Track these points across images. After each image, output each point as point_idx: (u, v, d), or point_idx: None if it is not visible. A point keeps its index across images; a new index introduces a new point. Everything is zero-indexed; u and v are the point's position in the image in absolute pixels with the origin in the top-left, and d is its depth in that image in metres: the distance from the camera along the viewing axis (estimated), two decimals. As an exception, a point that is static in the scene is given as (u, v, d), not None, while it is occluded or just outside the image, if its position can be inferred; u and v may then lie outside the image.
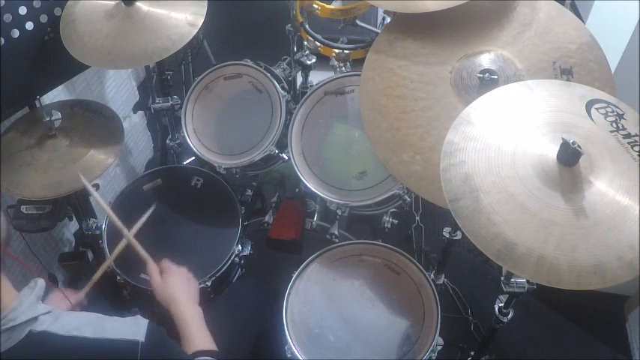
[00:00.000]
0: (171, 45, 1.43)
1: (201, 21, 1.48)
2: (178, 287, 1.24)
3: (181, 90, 2.00)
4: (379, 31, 1.44)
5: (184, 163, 2.05)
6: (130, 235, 1.33)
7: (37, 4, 1.46)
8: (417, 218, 2.13)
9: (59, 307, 1.21)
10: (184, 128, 1.71)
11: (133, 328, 0.98)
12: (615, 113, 1.05)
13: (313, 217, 1.81)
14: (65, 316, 0.95)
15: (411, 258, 1.49)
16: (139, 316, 1.02)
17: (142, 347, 0.95)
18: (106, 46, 1.44)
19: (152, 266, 1.28)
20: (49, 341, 0.90)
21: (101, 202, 1.36)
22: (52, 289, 1.29)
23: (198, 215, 1.65)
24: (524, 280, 1.32)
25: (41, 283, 0.98)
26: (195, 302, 1.25)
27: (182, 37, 1.45)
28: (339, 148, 1.62)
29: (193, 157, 1.98)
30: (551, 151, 0.99)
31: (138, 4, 1.48)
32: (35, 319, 0.91)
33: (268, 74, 1.68)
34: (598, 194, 0.96)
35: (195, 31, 1.46)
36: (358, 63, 1.50)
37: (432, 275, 1.70)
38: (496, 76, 1.23)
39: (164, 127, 2.07)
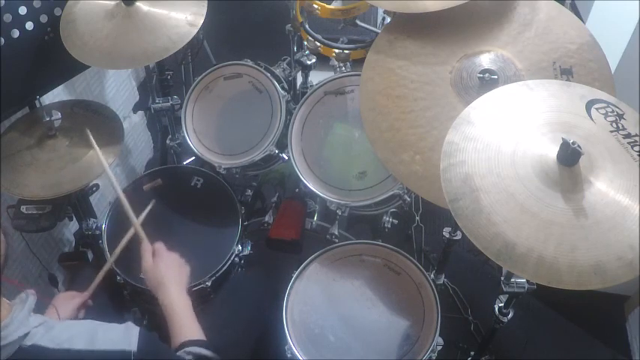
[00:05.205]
0: (171, 45, 1.43)
1: (201, 21, 1.47)
2: (169, 272, 1.23)
3: (181, 90, 2.00)
4: (379, 31, 1.44)
5: (184, 163, 2.05)
6: (135, 218, 1.34)
7: (37, 4, 1.46)
8: (417, 218, 2.13)
9: (64, 310, 1.21)
10: (184, 128, 1.71)
11: (124, 337, 0.96)
12: (615, 113, 1.05)
13: (313, 217, 1.81)
14: (58, 328, 0.94)
15: (411, 258, 1.49)
16: (130, 324, 1.01)
17: (135, 357, 0.94)
18: (106, 46, 1.44)
19: (146, 246, 1.28)
20: (39, 355, 0.89)
21: (115, 183, 1.38)
22: (56, 293, 1.30)
23: (198, 215, 1.65)
24: (524, 280, 1.32)
25: (32, 295, 0.96)
26: (184, 290, 1.24)
27: (182, 37, 1.45)
28: (339, 148, 1.62)
29: (193, 157, 1.98)
30: (551, 151, 0.99)
31: (138, 4, 1.47)
32: (27, 334, 0.89)
33: (268, 74, 1.68)
34: (598, 194, 0.96)
35: (195, 31, 1.46)
36: (358, 63, 1.50)
37: (432, 275, 1.70)
38: (496, 76, 1.23)
39: (164, 127, 2.07)
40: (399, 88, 1.29)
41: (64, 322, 0.98)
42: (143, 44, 1.44)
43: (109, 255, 1.52)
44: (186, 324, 1.15)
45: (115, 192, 1.39)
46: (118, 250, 1.40)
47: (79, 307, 1.28)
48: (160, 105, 1.86)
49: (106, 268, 1.38)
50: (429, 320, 1.39)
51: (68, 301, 1.27)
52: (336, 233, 1.67)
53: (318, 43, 1.74)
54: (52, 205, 1.50)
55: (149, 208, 1.46)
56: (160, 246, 1.29)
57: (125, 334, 0.97)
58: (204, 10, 1.50)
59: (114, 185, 1.38)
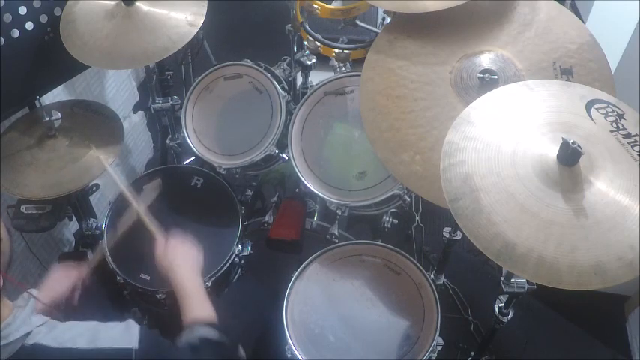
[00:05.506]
0: (171, 45, 1.43)
1: (201, 21, 1.47)
2: (181, 257, 1.25)
3: (181, 90, 2.00)
4: (379, 31, 1.44)
5: (184, 163, 2.05)
6: (141, 208, 1.35)
7: (37, 4, 1.46)
8: (417, 218, 2.13)
9: (58, 287, 1.21)
10: (184, 128, 1.71)
11: (125, 334, 0.97)
12: (615, 113, 1.05)
13: (313, 217, 1.81)
14: (60, 327, 0.94)
15: (411, 258, 1.49)
16: (130, 321, 1.00)
17: (137, 354, 0.94)
18: (106, 47, 1.44)
19: (159, 236, 1.30)
20: (41, 354, 0.89)
21: (115, 178, 1.39)
22: (54, 266, 1.30)
23: (198, 215, 1.65)
24: (524, 280, 1.32)
25: (35, 294, 0.96)
26: (197, 272, 1.26)
27: (182, 37, 1.45)
28: (339, 148, 1.62)
29: (193, 157, 1.98)
30: (551, 151, 0.99)
31: (138, 4, 1.47)
32: (29, 332, 0.90)
33: (268, 74, 1.68)
34: (598, 194, 0.96)
35: (195, 31, 1.46)
36: (358, 63, 1.50)
37: (432, 275, 1.70)
38: (496, 76, 1.23)
39: (164, 127, 2.07)
40: (399, 88, 1.29)
41: (66, 322, 0.97)
42: (143, 44, 1.44)
43: (109, 255, 1.52)
44: (197, 305, 1.16)
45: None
46: (120, 229, 1.39)
47: (74, 284, 1.28)
48: (160, 105, 1.86)
49: (99, 255, 1.37)
50: (429, 320, 1.39)
51: (64, 276, 1.27)
52: (336, 233, 1.67)
53: (318, 43, 1.74)
54: (52, 205, 1.50)
55: (156, 189, 1.45)
56: (173, 232, 1.31)
57: (126, 331, 0.97)
58: (204, 10, 1.50)
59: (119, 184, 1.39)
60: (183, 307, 1.16)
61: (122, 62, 1.46)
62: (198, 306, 1.16)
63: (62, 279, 1.27)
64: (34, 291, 0.98)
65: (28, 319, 0.91)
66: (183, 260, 1.25)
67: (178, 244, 1.29)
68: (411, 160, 1.23)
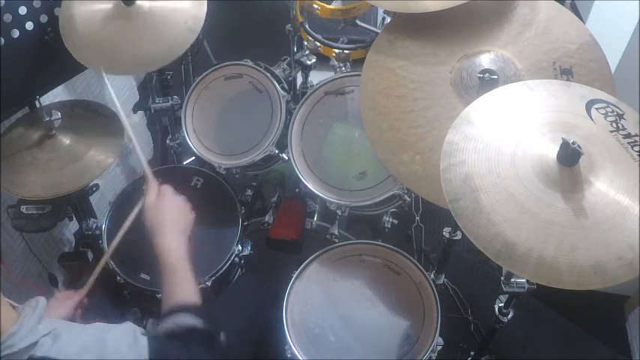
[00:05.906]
0: (169, 51, 1.43)
1: (200, 24, 1.47)
2: (169, 215, 1.17)
3: (181, 90, 2.00)
4: (379, 31, 1.44)
5: (184, 163, 2.05)
6: (143, 158, 1.31)
7: (37, 4, 1.46)
8: (417, 218, 2.13)
9: (61, 312, 1.20)
10: (184, 128, 1.71)
11: (135, 349, 0.90)
12: (615, 113, 1.05)
13: (313, 217, 1.81)
14: (64, 337, 0.89)
15: (411, 258, 1.49)
16: (137, 334, 0.94)
17: None
18: (106, 50, 1.44)
19: (153, 184, 1.22)
20: None
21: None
22: (53, 293, 1.28)
23: (198, 215, 1.63)
24: (524, 280, 1.32)
25: (43, 302, 0.91)
26: (183, 236, 1.16)
27: (181, 44, 1.44)
28: (339, 148, 1.62)
29: (193, 157, 1.98)
30: (551, 151, 0.99)
31: (138, 3, 1.47)
32: (35, 342, 0.84)
33: (268, 74, 1.68)
34: (598, 194, 0.96)
35: (195, 36, 1.45)
36: (358, 63, 1.50)
37: (432, 275, 1.70)
38: (496, 76, 1.23)
39: (164, 127, 2.06)
40: (399, 88, 1.29)
41: (69, 330, 0.93)
42: (145, 49, 1.43)
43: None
44: (180, 282, 1.08)
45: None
46: (114, 243, 1.33)
47: (75, 306, 1.27)
48: (160, 105, 1.86)
49: (101, 264, 1.35)
50: (429, 320, 1.39)
51: (64, 301, 1.24)
52: (336, 233, 1.67)
53: (318, 43, 1.74)
54: (52, 205, 1.50)
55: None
56: (166, 187, 1.23)
57: (135, 345, 0.91)
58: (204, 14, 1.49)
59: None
60: (167, 285, 1.07)
61: (124, 68, 1.47)
62: (182, 285, 1.08)
63: (60, 308, 1.21)
64: (42, 299, 0.91)
65: (35, 329, 0.86)
66: (170, 220, 1.16)
67: (169, 201, 1.20)
68: (411, 160, 1.23)
